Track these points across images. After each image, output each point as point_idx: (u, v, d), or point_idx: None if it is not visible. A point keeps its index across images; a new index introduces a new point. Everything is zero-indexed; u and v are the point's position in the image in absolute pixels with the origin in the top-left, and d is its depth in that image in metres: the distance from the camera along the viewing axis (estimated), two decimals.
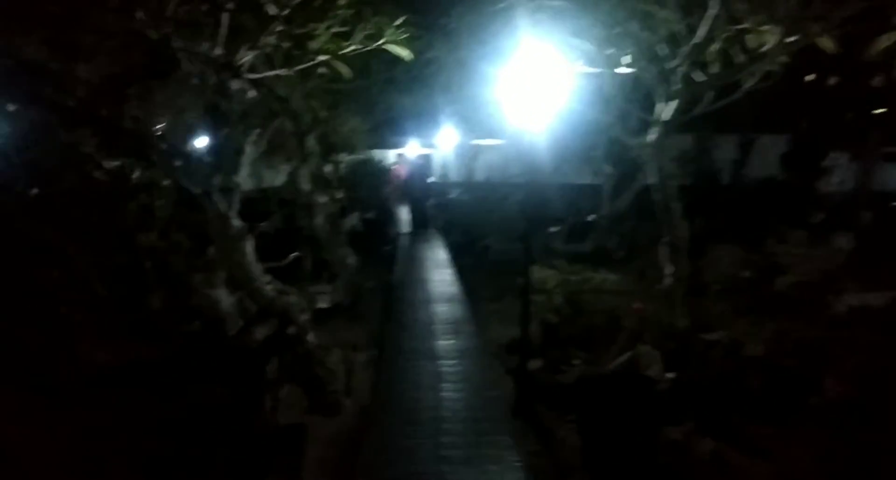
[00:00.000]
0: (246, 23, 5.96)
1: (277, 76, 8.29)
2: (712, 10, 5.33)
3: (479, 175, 23.84)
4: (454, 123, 22.94)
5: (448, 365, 8.45)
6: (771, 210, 15.40)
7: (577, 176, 20.13)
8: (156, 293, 6.70)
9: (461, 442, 6.41)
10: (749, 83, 6.25)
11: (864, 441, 5.70)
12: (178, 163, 6.11)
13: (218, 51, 5.83)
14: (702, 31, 5.44)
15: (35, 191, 4.80)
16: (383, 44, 6.55)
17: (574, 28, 6.76)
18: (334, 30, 6.30)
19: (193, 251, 6.41)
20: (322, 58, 6.39)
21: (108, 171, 5.36)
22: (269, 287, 6.31)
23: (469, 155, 24.40)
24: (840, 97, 18.60)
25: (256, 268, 6.20)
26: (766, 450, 6.02)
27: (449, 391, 7.57)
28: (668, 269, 6.87)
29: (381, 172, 25.65)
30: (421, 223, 19.70)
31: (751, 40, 5.90)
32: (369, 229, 17.42)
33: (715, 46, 5.85)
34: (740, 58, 6.03)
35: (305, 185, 11.16)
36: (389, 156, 29.93)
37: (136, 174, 5.88)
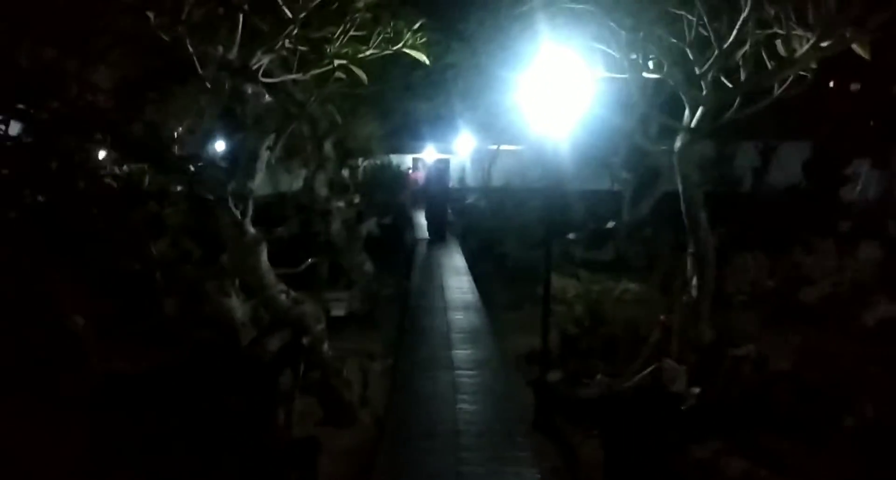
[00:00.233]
0: (262, 26, 5.85)
1: (294, 81, 8.22)
2: (744, 13, 5.11)
3: (497, 181, 23.66)
4: (472, 129, 22.82)
5: (465, 376, 8.26)
6: (795, 219, 15.09)
7: (596, 182, 19.94)
8: (169, 301, 6.59)
9: (479, 457, 6.21)
10: (780, 89, 6.02)
11: None
12: (192, 168, 6.01)
13: (233, 54, 5.71)
14: (733, 35, 5.22)
15: (41, 198, 4.71)
16: (402, 48, 6.43)
17: (596, 32, 6.58)
18: (351, 34, 6.17)
19: (206, 259, 6.28)
20: (339, 62, 6.27)
21: (116, 177, 5.25)
22: (283, 296, 6.17)
23: (487, 161, 24.23)
24: (862, 104, 18.29)
25: (271, 276, 6.06)
26: (798, 471, 5.77)
27: (466, 403, 7.38)
28: (694, 280, 6.64)
29: (398, 177, 25.62)
30: (439, 230, 19.32)
31: (782, 45, 5.70)
32: (386, 234, 17.29)
33: (745, 51, 5.63)
34: (769, 63, 5.83)
35: (322, 190, 11.07)
36: (407, 161, 29.93)
37: (145, 181, 5.78)
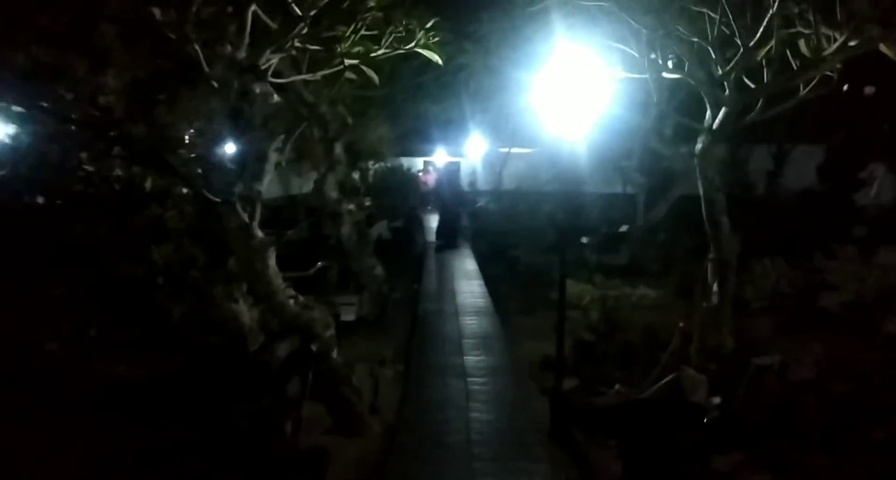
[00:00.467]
0: (271, 25, 5.71)
1: (304, 81, 8.08)
2: (772, 9, 4.92)
3: (508, 184, 23.48)
4: (483, 131, 22.68)
5: (478, 383, 8.07)
6: (811, 223, 14.83)
7: (608, 186, 19.73)
8: (174, 306, 6.45)
9: (492, 468, 6.02)
10: (805, 90, 5.83)
11: None
12: (199, 171, 5.86)
13: (242, 53, 5.57)
14: (759, 33, 5.03)
15: (40, 200, 4.58)
16: (414, 47, 6.27)
17: (613, 31, 6.40)
18: (363, 33, 6.02)
19: (212, 264, 6.13)
20: (350, 62, 6.12)
21: (117, 179, 5.10)
22: (292, 301, 6.00)
23: (498, 163, 24.07)
24: (877, 107, 17.97)
25: (279, 281, 5.90)
26: None
27: (479, 412, 7.19)
28: (715, 286, 6.44)
29: (408, 180, 25.48)
30: (450, 235, 18.92)
31: (809, 44, 5.50)
32: (396, 237, 17.14)
33: (770, 50, 5.43)
34: (793, 63, 5.64)
35: (332, 193, 10.91)
36: (417, 164, 29.80)
37: (147, 183, 5.63)
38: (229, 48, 5.57)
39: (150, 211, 5.54)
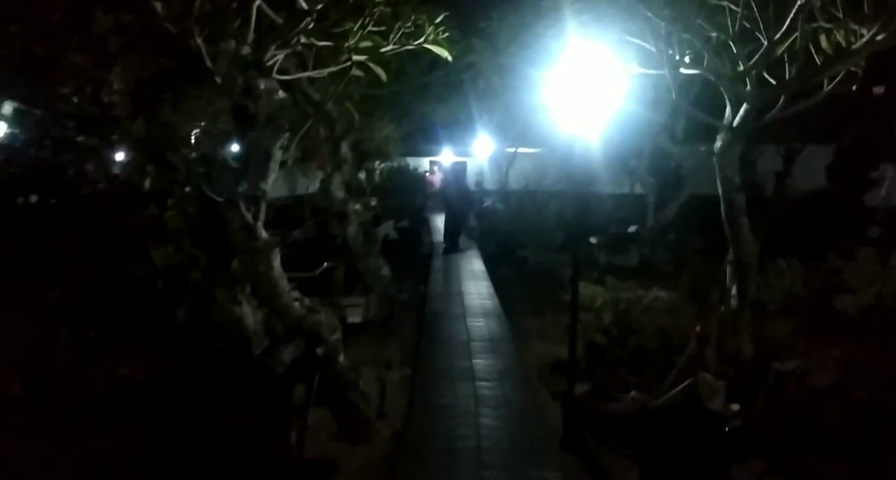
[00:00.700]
0: (276, 20, 5.54)
1: (310, 79, 7.90)
2: (798, 2, 4.72)
3: (515, 184, 23.31)
4: (490, 131, 22.51)
5: (487, 387, 7.88)
6: (823, 224, 14.59)
7: (615, 185, 19.53)
8: (176, 308, 6.28)
9: (503, 477, 5.82)
10: (829, 86, 5.62)
11: None
12: (202, 169, 5.70)
13: (246, 49, 5.40)
14: (785, 25, 4.82)
15: (35, 199, 4.42)
16: (423, 43, 6.10)
17: (628, 26, 6.21)
18: (370, 29, 5.85)
19: (214, 265, 5.96)
20: (358, 58, 5.96)
21: (114, 177, 4.94)
22: (297, 304, 5.83)
23: (505, 163, 23.89)
24: (887, 106, 17.69)
25: (284, 283, 5.73)
26: None
27: (489, 418, 7.00)
28: (733, 289, 6.23)
29: (415, 180, 25.34)
30: (456, 236, 18.61)
31: (830, 39, 5.30)
32: (403, 237, 16.97)
33: (795, 44, 5.22)
34: (816, 58, 5.43)
35: (338, 192, 10.75)
36: (424, 164, 29.66)
37: (146, 182, 5.46)
38: (233, 44, 5.41)
39: (149, 211, 5.36)
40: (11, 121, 4.49)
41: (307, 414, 5.71)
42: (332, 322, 6.09)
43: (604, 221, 16.97)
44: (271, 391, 5.49)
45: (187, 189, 5.65)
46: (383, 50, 5.82)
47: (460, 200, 18.85)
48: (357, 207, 11.20)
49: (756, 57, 5.20)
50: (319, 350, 5.80)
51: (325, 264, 11.19)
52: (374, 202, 13.68)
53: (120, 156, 6.24)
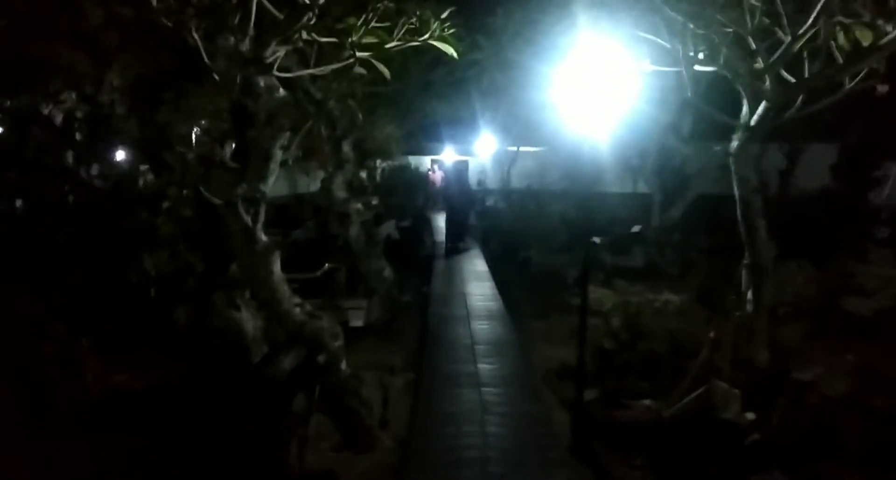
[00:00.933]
0: (277, 15, 5.34)
1: (312, 77, 7.70)
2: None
3: (517, 183, 23.11)
4: (492, 130, 22.31)
5: (492, 393, 7.68)
6: (832, 224, 14.39)
7: (620, 184, 19.34)
8: (175, 315, 6.07)
9: None
10: (851, 83, 5.42)
11: None
12: (200, 170, 5.50)
13: (245, 45, 5.20)
14: (810, 20, 4.61)
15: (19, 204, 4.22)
16: (428, 39, 5.89)
17: (641, 22, 6.00)
18: (374, 25, 5.65)
19: (212, 269, 5.75)
20: (362, 55, 5.75)
21: (105, 179, 4.72)
22: (297, 310, 5.62)
23: (507, 162, 23.69)
24: (891, 104, 17.44)
25: (284, 288, 5.52)
26: None
27: (495, 425, 6.80)
28: (749, 294, 6.03)
29: (417, 179, 25.14)
30: (460, 236, 18.33)
31: (849, 36, 5.09)
32: (405, 237, 16.75)
33: (814, 40, 5.02)
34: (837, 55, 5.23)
35: (340, 192, 10.54)
36: (425, 163, 29.45)
37: (137, 184, 5.26)
38: (232, 40, 5.20)
39: (141, 216, 5.15)
40: None
41: (308, 424, 5.50)
42: (334, 328, 5.88)
43: (606, 220, 16.75)
44: (271, 400, 5.28)
45: (185, 192, 5.45)
46: (387, 46, 5.61)
47: (462, 199, 18.60)
48: (359, 206, 10.99)
49: (777, 53, 4.98)
50: (321, 358, 5.60)
51: (327, 265, 11.00)
52: (375, 201, 13.47)
53: (119, 156, 6.07)
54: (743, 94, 5.44)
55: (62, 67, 4.84)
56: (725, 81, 5.96)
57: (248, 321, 5.89)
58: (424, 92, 14.42)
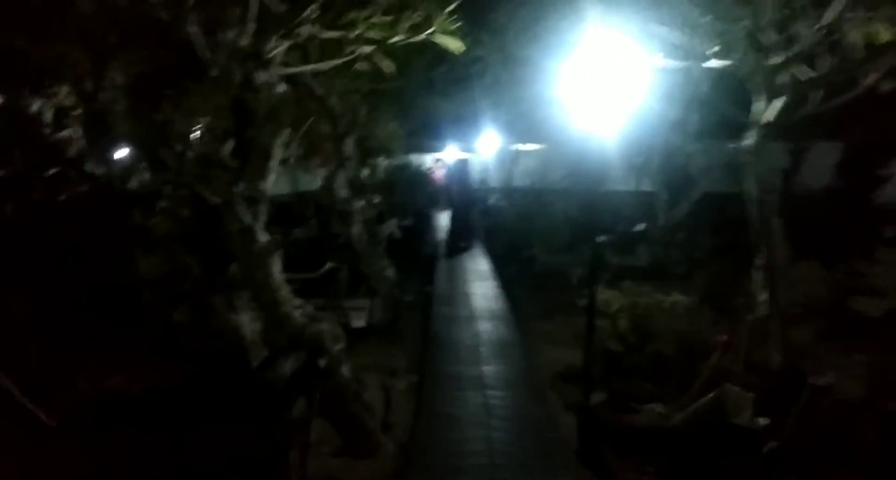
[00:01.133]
0: (277, 9, 5.19)
1: (314, 74, 7.54)
2: None
3: (520, 181, 22.89)
4: (495, 128, 22.12)
5: (497, 397, 7.51)
6: (839, 223, 14.19)
7: (623, 183, 19.12)
8: (175, 313, 5.91)
9: None
10: (872, 79, 5.25)
11: None
12: (198, 169, 5.34)
13: (245, 40, 5.04)
14: (829, 15, 4.44)
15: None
16: (432, 34, 5.73)
17: (653, 16, 5.83)
18: (377, 20, 5.50)
19: (210, 271, 5.58)
20: (366, 49, 5.60)
21: (96, 179, 4.55)
22: (298, 312, 5.46)
23: (509, 160, 23.47)
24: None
25: (284, 290, 5.37)
26: None
27: (500, 430, 6.64)
28: (763, 296, 5.87)
29: (418, 177, 24.94)
30: (464, 236, 18.02)
31: (876, 31, 4.93)
32: (407, 236, 16.57)
33: (832, 35, 4.85)
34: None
35: (342, 190, 10.38)
36: (427, 161, 29.25)
37: (131, 183, 5.08)
38: (232, 34, 5.05)
39: (133, 216, 4.98)
40: None
41: (309, 430, 5.34)
42: (336, 331, 5.73)
43: (610, 219, 16.56)
44: (270, 405, 5.12)
45: (182, 191, 5.29)
46: (391, 40, 5.46)
47: (464, 198, 18.41)
48: (361, 204, 10.82)
49: (796, 47, 4.81)
50: (322, 362, 5.44)
51: (329, 264, 10.84)
52: (377, 200, 13.30)
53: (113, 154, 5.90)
54: (756, 90, 5.27)
55: (51, 60, 4.69)
56: (732, 78, 5.80)
57: (247, 323, 5.73)
58: (427, 89, 14.28)
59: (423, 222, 18.92)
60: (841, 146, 18.05)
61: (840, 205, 16.26)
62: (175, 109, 6.37)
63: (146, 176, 5.23)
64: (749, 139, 5.47)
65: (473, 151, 27.13)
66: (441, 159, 29.50)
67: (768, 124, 5.28)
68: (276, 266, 5.25)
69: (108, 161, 5.31)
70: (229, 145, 5.74)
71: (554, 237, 15.94)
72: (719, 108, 6.08)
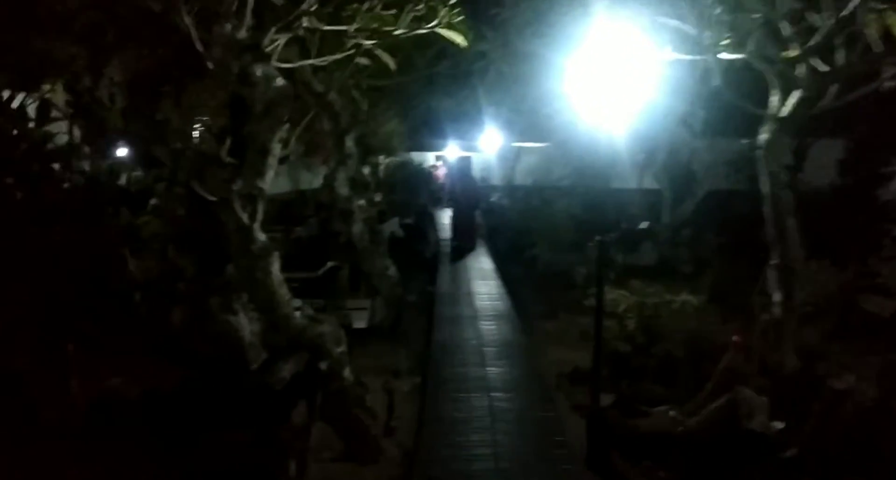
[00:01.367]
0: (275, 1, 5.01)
1: (313, 69, 7.36)
2: None
3: (522, 179, 22.74)
4: (497, 126, 21.97)
5: (502, 399, 7.35)
6: (845, 221, 14.01)
7: (625, 180, 18.94)
8: (172, 315, 5.75)
9: None
10: (890, 74, 5.07)
11: None
12: (193, 165, 5.17)
13: (242, 33, 4.87)
14: (851, 5, 4.26)
15: None
16: (436, 27, 5.55)
17: (664, 7, 5.65)
18: (378, 12, 5.33)
19: (207, 271, 5.42)
20: (366, 43, 5.43)
21: (81, 174, 4.38)
22: (298, 314, 5.30)
23: (511, 158, 23.31)
24: None
25: (283, 291, 5.20)
26: None
27: (505, 434, 6.48)
28: (777, 296, 5.69)
29: (420, 176, 24.80)
30: (466, 235, 17.80)
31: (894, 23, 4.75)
32: (409, 235, 16.41)
33: (847, 26, 4.68)
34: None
35: (343, 188, 10.20)
36: (429, 159, 29.10)
37: (120, 180, 4.92)
38: (229, 27, 4.88)
39: (121, 215, 4.80)
40: None
41: (309, 436, 5.17)
42: (337, 333, 5.56)
43: (614, 217, 16.39)
44: (270, 410, 4.95)
45: (176, 189, 5.12)
46: (394, 32, 5.28)
47: (467, 196, 18.21)
48: (362, 203, 10.65)
49: (815, 39, 4.63)
50: (323, 365, 5.27)
51: (329, 263, 10.69)
52: (378, 198, 13.14)
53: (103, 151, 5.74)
54: (772, 83, 5.09)
55: (35, 52, 4.52)
56: (742, 71, 5.62)
57: (246, 325, 5.55)
58: (428, 86, 14.11)
59: (425, 221, 18.72)
60: (844, 143, 17.89)
61: (844, 203, 16.09)
62: (174, 107, 6.23)
63: (137, 173, 5.07)
64: (763, 134, 5.28)
65: (475, 149, 26.98)
66: (442, 157, 29.33)
67: (783, 119, 5.09)
68: (276, 266, 5.09)
69: (98, 157, 5.15)
70: (227, 143, 5.58)
71: (557, 236, 15.76)
72: (729, 103, 5.88)
